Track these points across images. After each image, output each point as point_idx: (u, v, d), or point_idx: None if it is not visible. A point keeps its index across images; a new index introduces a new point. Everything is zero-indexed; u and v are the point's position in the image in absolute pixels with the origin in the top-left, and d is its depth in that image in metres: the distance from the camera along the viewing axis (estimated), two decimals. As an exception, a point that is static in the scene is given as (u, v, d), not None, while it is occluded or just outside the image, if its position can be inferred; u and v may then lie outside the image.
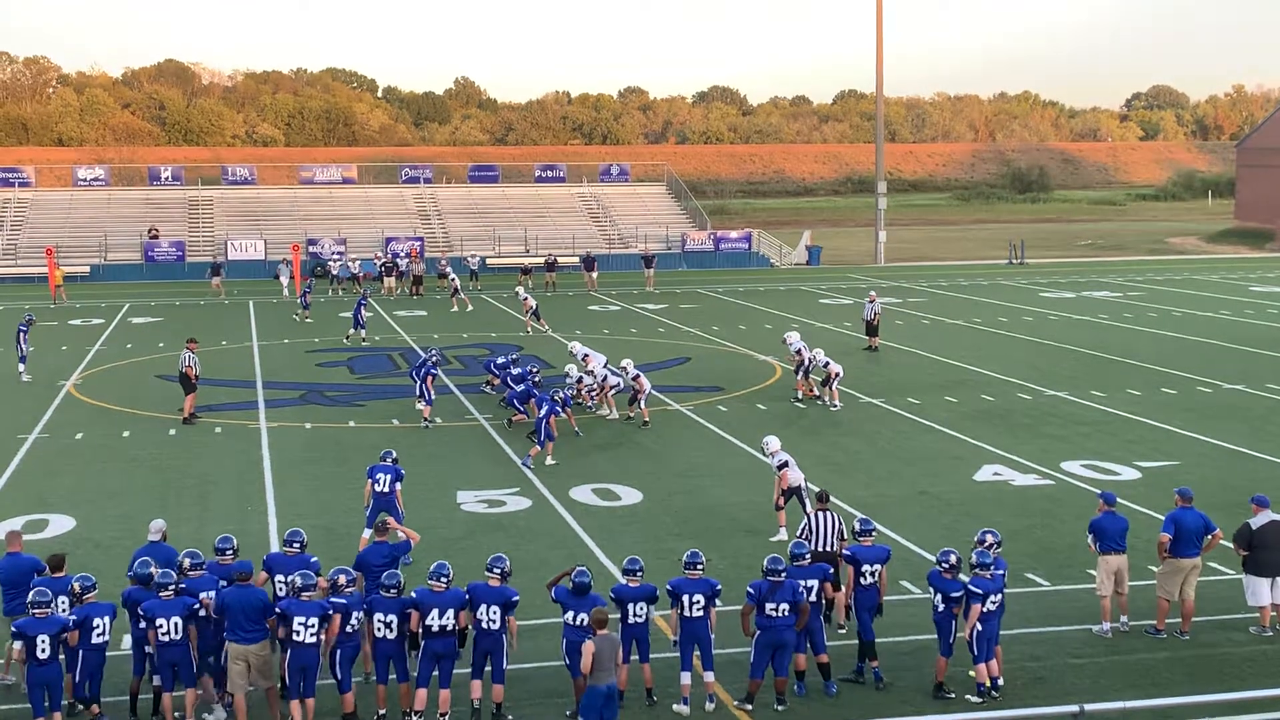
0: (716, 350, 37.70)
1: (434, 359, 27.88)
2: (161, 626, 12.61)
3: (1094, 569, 15.43)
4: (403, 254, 59.53)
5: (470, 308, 48.08)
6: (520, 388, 26.53)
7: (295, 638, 12.49)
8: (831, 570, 14.31)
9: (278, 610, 12.76)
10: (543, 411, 23.57)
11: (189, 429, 26.90)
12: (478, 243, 65.42)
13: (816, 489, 16.88)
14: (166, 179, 71.32)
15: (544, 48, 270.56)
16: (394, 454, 18.38)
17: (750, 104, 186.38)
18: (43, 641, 12.18)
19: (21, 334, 33.02)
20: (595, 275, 55.66)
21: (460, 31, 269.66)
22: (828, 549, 15.23)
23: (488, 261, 60.99)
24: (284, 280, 53.92)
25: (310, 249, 62.02)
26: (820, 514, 15.57)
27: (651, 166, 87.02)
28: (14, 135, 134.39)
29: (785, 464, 18.52)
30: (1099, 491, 16.30)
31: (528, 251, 64.33)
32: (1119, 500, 16.33)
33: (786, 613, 13.14)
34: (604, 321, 44.60)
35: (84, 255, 62.16)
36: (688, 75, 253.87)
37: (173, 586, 12.84)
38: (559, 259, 58.41)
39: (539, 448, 23.41)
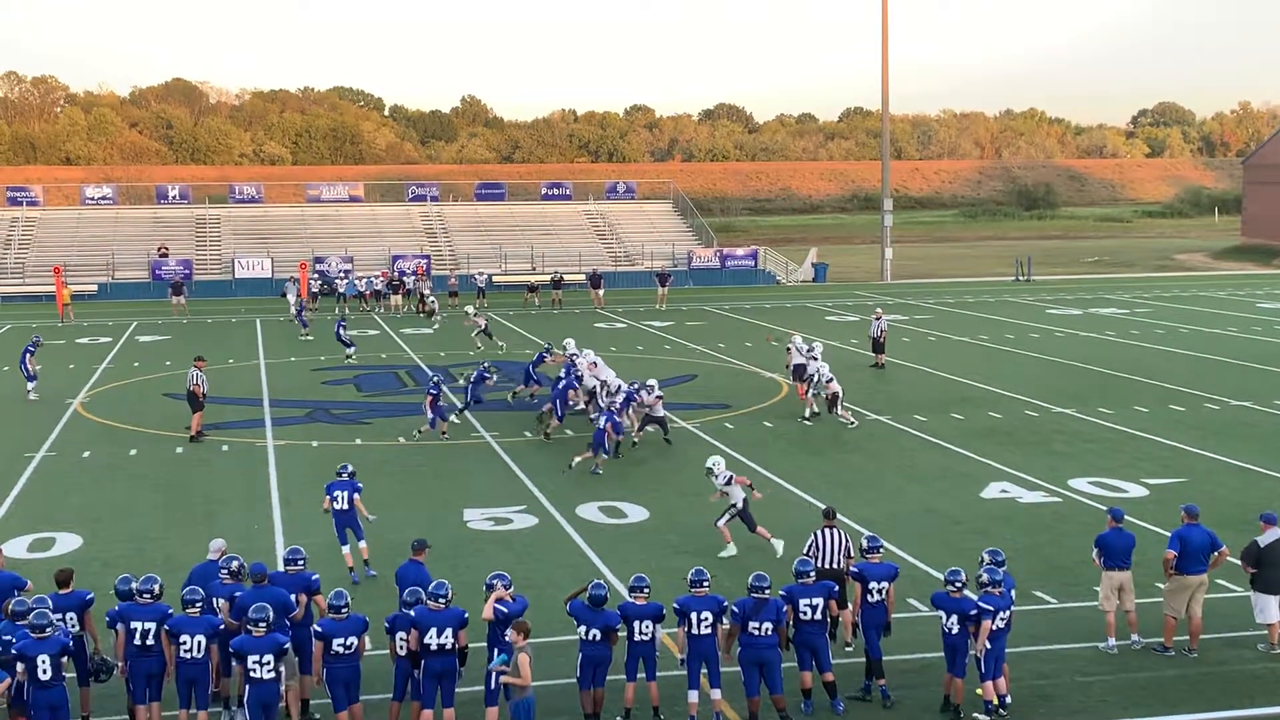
0: (723, 367, 37.71)
1: (446, 379, 27.86)
2: (185, 643, 12.52)
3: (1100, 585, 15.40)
4: (409, 272, 59.65)
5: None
6: (561, 384, 27.13)
7: (253, 674, 12.26)
8: (836, 588, 14.30)
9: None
10: (601, 422, 24.23)
11: (196, 447, 26.94)
12: (484, 260, 65.57)
13: (823, 506, 16.87)
14: (174, 198, 71.56)
15: (550, 66, 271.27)
16: (350, 468, 18.31)
17: (756, 121, 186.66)
18: (43, 662, 11.93)
19: (28, 354, 33.10)
20: (602, 293, 55.77)
21: (467, 50, 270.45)
22: (834, 566, 15.24)
23: (494, 279, 61.11)
24: (290, 298, 53.98)
25: (317, 267, 62.16)
26: (827, 531, 15.57)
27: (658, 184, 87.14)
28: (22, 154, 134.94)
29: (729, 481, 18.92)
30: (1108, 508, 16.29)
31: (534, 269, 64.49)
32: (1127, 517, 16.31)
33: (769, 632, 13.16)
34: (611, 339, 44.62)
35: (91, 274, 62.46)
36: (694, 93, 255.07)
37: (200, 603, 12.80)
38: (565, 276, 58.54)
39: (605, 455, 24.22)
